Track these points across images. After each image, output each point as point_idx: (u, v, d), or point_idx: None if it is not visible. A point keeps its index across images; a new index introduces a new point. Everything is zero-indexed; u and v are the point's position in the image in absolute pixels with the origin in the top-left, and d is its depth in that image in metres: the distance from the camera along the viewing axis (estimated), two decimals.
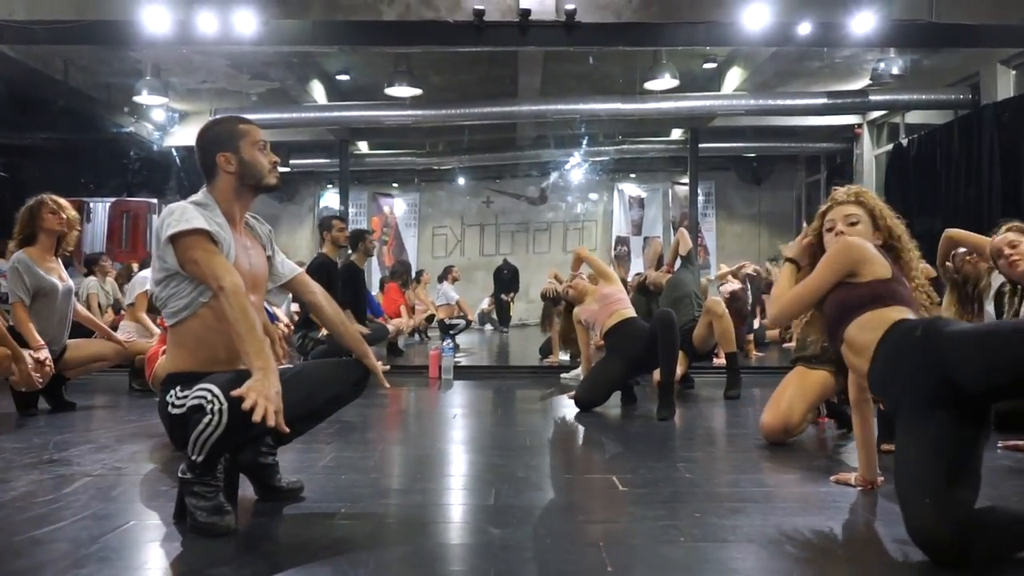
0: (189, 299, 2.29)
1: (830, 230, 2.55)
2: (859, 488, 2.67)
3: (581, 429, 4.05)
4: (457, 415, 4.61)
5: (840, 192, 2.61)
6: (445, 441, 3.90)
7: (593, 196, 16.21)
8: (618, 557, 2.02)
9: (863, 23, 6.86)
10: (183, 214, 2.28)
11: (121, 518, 2.35)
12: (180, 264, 2.26)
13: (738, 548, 2.08)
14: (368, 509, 2.48)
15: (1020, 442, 3.29)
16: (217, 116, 2.61)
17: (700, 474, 2.99)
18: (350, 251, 6.54)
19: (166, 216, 2.29)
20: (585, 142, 13.40)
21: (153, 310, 5.64)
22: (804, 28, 6.89)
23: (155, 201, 11.83)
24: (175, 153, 11.51)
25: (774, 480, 2.90)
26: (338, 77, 10.77)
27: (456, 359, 6.48)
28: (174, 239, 2.25)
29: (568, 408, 4.66)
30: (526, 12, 6.71)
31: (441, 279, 11.61)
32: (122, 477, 2.88)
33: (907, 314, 2.27)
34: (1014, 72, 9.25)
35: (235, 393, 2.01)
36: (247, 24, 6.56)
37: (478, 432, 4.10)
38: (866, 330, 2.27)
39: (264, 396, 2.00)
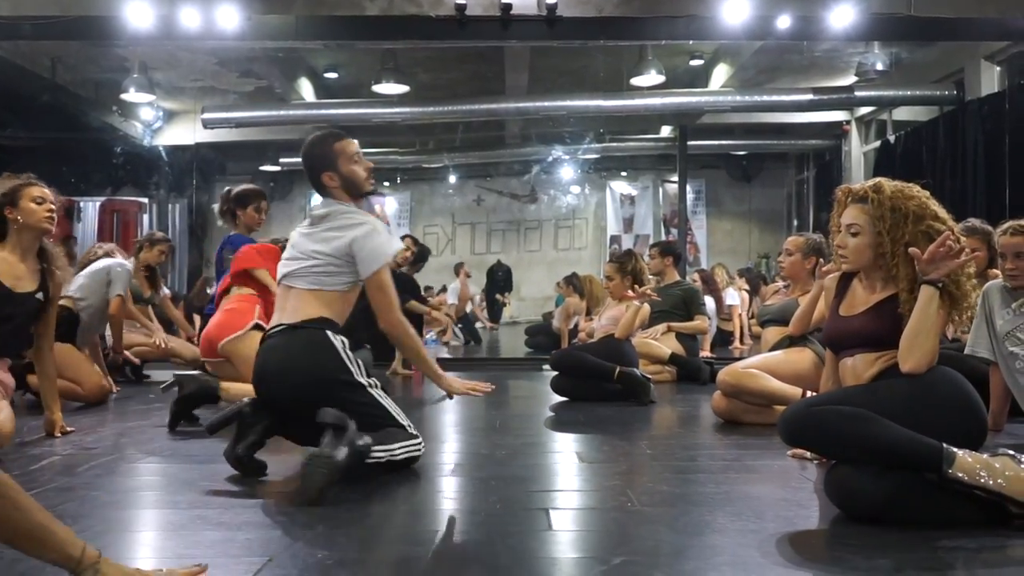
0: (345, 284, 2.63)
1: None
2: (815, 462, 2.71)
3: (554, 414, 4.09)
4: (432, 401, 4.65)
5: (856, 187, 2.35)
6: (416, 425, 3.93)
7: (584, 194, 16.26)
8: (563, 519, 2.07)
9: (842, 16, 6.90)
10: (389, 239, 2.69)
11: (82, 490, 2.39)
12: (366, 278, 2.61)
13: (683, 511, 2.13)
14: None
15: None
16: (315, 135, 2.82)
17: (660, 450, 3.04)
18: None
19: (372, 230, 2.62)
20: (574, 139, 13.44)
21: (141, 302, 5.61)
22: (783, 22, 6.93)
23: (145, 201, 11.83)
24: (163, 151, 11.53)
25: (732, 455, 2.95)
26: (326, 75, 10.81)
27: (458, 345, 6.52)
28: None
29: (546, 396, 4.68)
30: (507, 7, 6.74)
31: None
32: (91, 457, 2.91)
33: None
34: (998, 68, 9.30)
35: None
36: (230, 19, 6.59)
37: (452, 417, 4.14)
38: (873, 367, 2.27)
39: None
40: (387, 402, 2.58)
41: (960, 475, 1.91)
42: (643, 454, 2.97)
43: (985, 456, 1.95)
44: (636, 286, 4.68)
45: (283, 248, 2.95)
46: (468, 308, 10.84)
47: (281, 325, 2.63)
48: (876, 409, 2.03)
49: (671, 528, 1.98)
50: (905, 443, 1.95)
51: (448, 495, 2.35)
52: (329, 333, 2.56)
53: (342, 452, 2.18)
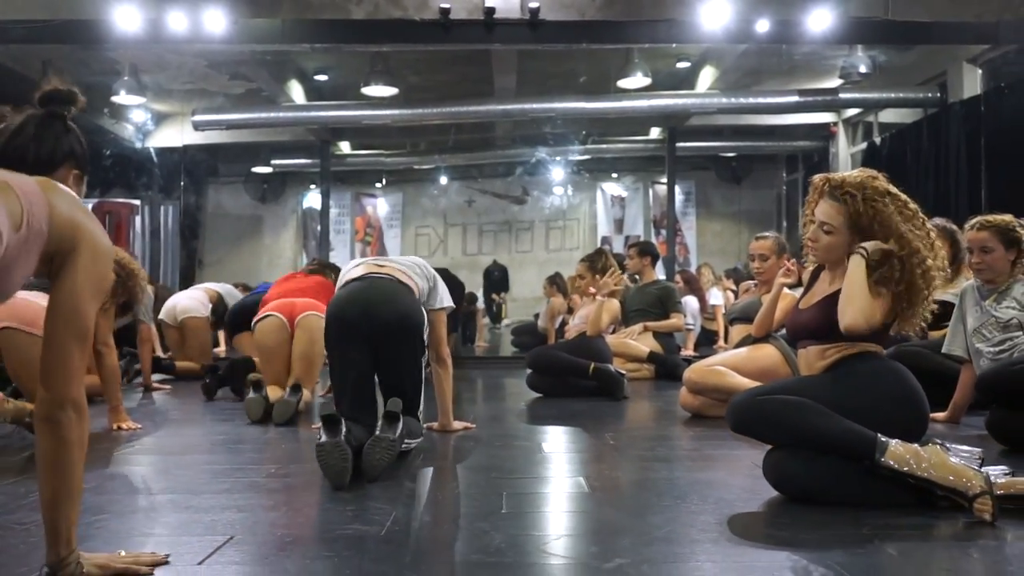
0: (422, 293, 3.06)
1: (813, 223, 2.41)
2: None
3: (528, 410, 4.19)
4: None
5: (836, 180, 2.38)
6: None
7: (575, 195, 16.39)
8: (516, 502, 2.16)
9: (820, 20, 7.01)
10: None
11: None
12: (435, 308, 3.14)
13: (631, 494, 2.23)
14: (297, 467, 2.62)
15: None
16: None
17: (624, 441, 3.15)
18: None
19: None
20: (563, 141, 13.56)
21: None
22: (762, 25, 7.04)
23: (137, 203, 11.90)
24: (154, 153, 11.61)
25: (693, 445, 3.05)
26: (316, 77, 10.90)
27: None
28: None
29: (524, 393, 4.76)
30: (491, 10, 6.83)
31: None
32: None
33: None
34: (980, 71, 9.43)
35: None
36: (217, 23, 6.67)
37: (428, 413, 4.23)
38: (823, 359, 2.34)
39: None
40: (422, 385, 2.91)
41: (891, 463, 2.01)
42: (606, 445, 3.07)
43: (915, 446, 2.06)
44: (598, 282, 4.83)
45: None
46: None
47: (384, 276, 2.92)
48: (823, 398, 2.13)
49: (616, 509, 2.08)
50: (841, 433, 2.07)
51: (410, 481, 2.44)
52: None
53: (395, 434, 2.43)
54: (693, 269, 14.59)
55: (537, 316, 10.66)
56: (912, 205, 2.33)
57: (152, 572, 1.58)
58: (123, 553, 1.63)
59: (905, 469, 2.00)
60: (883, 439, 2.04)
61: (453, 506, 2.12)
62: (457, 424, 3.34)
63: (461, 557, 1.71)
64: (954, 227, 4.11)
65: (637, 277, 6.31)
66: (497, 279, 14.71)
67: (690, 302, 7.49)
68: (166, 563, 1.62)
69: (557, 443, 3.17)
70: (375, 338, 2.77)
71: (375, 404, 2.78)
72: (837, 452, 2.08)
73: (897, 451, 2.02)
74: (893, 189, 2.33)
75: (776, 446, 2.18)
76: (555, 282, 8.19)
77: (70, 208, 1.47)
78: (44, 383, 1.45)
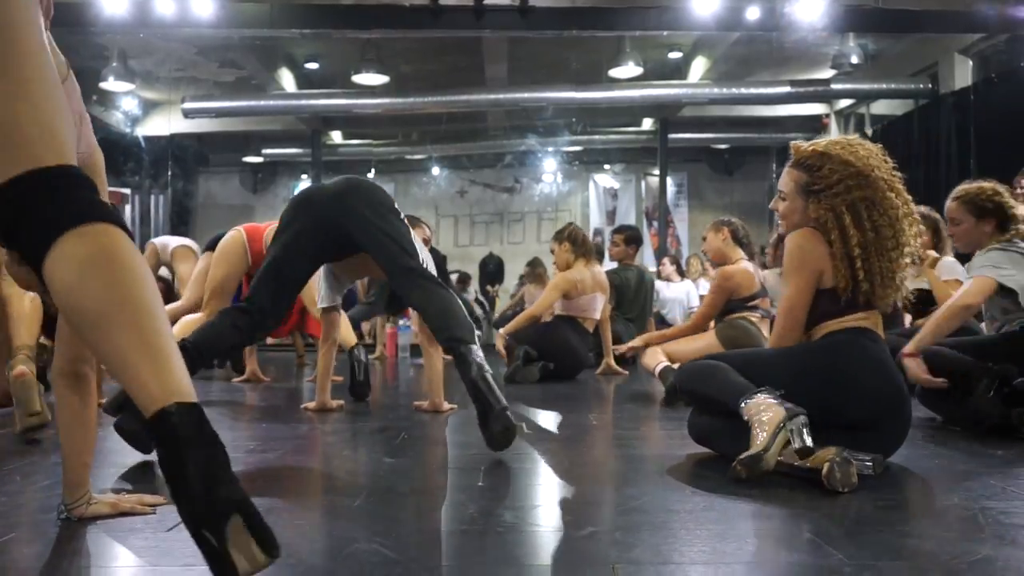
0: None
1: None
2: None
3: (514, 392, 4.17)
4: (397, 382, 4.74)
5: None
6: (376, 400, 4.02)
7: (566, 186, 16.37)
8: (494, 478, 2.15)
9: (811, 8, 7.02)
10: None
11: (39, 454, 2.47)
12: None
13: (611, 471, 2.22)
14: (277, 444, 2.61)
15: None
16: None
17: (605, 422, 3.14)
18: None
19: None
20: (556, 132, 13.54)
21: None
22: (752, 13, 7.04)
23: (127, 191, 11.84)
24: (143, 141, 11.54)
25: (673, 425, 3.03)
26: (306, 65, 10.85)
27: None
28: None
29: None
30: None
31: None
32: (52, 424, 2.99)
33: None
34: (971, 61, 9.43)
35: None
36: (204, 7, 6.64)
37: (413, 396, 4.22)
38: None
39: None
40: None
41: (744, 415, 2.05)
42: (588, 425, 3.06)
43: (780, 404, 2.01)
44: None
45: None
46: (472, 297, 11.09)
47: None
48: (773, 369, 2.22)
49: (592, 483, 2.07)
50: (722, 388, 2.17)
51: (390, 457, 2.43)
52: None
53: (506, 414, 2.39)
54: (684, 261, 14.64)
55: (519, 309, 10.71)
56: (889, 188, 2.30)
57: (154, 511, 1.70)
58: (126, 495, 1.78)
59: (745, 418, 2.03)
60: (750, 394, 2.05)
61: (431, 480, 2.11)
62: (445, 405, 3.34)
63: (434, 525, 1.69)
64: (937, 216, 4.13)
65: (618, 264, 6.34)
66: (492, 271, 14.83)
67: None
68: (165, 503, 1.71)
69: (540, 423, 3.15)
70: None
71: None
72: (724, 406, 2.13)
73: (752, 405, 2.04)
74: (861, 159, 2.27)
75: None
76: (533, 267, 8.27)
77: None
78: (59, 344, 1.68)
